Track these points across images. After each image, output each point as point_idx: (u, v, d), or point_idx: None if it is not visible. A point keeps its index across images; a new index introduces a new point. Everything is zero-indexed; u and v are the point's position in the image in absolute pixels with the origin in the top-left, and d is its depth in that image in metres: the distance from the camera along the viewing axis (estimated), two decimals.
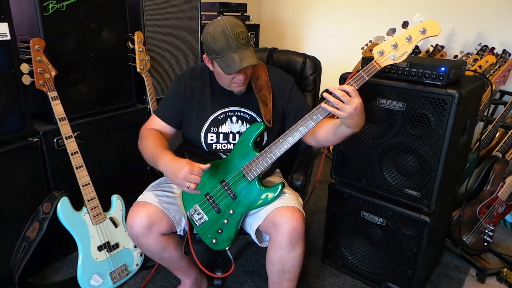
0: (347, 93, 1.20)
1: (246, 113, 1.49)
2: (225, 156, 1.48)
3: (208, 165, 1.30)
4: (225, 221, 1.41)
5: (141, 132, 1.51)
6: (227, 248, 1.43)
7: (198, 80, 1.50)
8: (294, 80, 1.56)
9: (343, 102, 1.20)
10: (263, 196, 1.37)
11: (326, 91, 1.24)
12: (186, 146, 1.61)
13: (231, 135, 1.48)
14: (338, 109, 1.21)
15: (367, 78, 1.27)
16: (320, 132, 1.43)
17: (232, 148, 1.47)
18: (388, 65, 1.27)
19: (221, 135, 1.47)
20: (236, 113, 1.48)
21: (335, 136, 1.38)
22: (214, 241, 1.43)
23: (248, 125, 1.48)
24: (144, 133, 1.48)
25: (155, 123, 1.52)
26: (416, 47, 2.86)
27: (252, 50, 1.33)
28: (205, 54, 1.38)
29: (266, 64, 1.57)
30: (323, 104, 1.25)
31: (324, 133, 1.41)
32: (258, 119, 1.48)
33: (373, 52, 1.27)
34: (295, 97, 1.53)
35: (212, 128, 1.47)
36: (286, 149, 1.35)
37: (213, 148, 1.48)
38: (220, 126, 1.47)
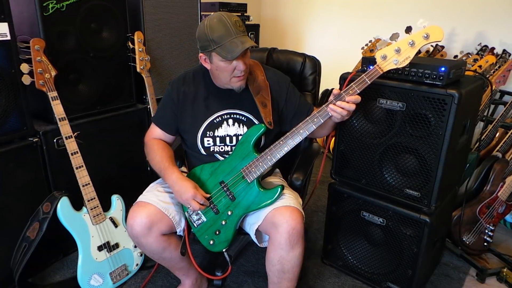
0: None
1: (243, 115, 1.48)
2: (222, 158, 1.48)
3: (208, 195, 1.40)
4: (223, 222, 1.40)
5: (145, 142, 1.54)
6: (224, 250, 1.43)
7: (191, 85, 1.49)
8: (290, 80, 1.56)
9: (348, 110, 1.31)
10: (261, 198, 1.37)
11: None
12: (184, 147, 1.61)
13: (227, 138, 1.47)
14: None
15: (369, 82, 1.28)
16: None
17: (229, 150, 1.47)
18: (392, 70, 1.28)
19: (217, 139, 1.47)
20: (232, 116, 1.47)
21: (325, 129, 1.54)
22: (211, 242, 1.43)
23: (245, 127, 1.47)
24: (148, 144, 1.51)
25: (155, 131, 1.54)
26: None
27: (249, 38, 1.33)
28: (201, 53, 1.37)
29: (263, 64, 1.56)
30: (330, 112, 1.31)
31: (317, 128, 1.41)
32: (255, 121, 1.47)
33: (376, 57, 1.28)
34: (292, 97, 1.53)
35: (208, 132, 1.46)
36: (286, 151, 1.35)
37: (211, 150, 1.48)
38: (216, 130, 1.46)
